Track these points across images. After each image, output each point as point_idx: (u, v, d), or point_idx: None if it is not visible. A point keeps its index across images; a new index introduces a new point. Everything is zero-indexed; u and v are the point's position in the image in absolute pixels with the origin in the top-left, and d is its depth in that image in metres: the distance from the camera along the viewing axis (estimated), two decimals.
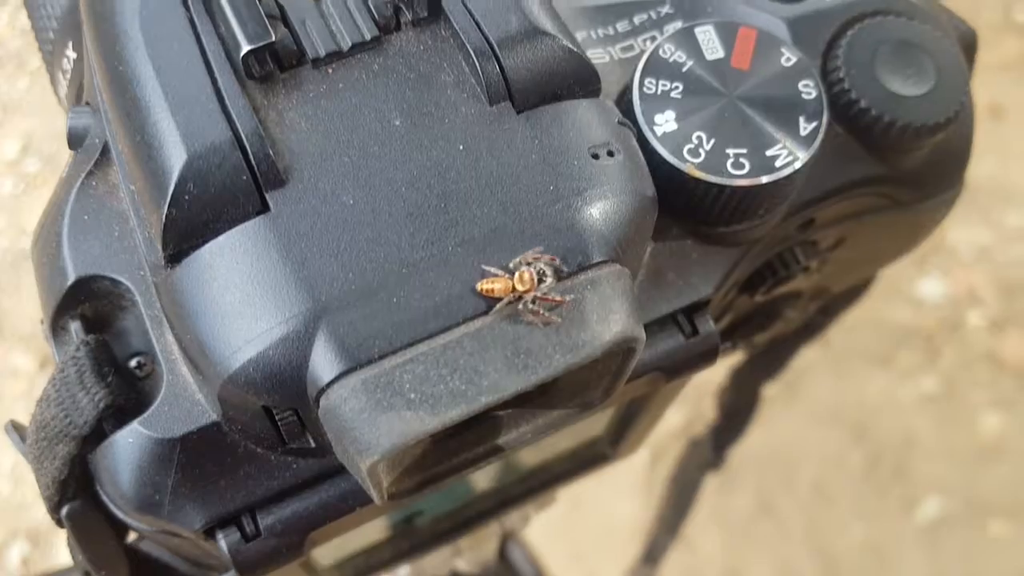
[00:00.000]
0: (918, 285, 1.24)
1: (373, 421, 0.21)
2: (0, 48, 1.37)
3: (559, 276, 0.22)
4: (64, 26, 0.33)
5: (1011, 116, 1.29)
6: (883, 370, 1.19)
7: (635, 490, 1.11)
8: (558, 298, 0.22)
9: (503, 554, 0.58)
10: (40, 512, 1.12)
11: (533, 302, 0.22)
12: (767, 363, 0.51)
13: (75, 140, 0.27)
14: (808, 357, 1.21)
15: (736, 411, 0.55)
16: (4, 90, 1.35)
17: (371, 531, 0.35)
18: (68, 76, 0.33)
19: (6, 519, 1.12)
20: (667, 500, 0.63)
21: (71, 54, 0.33)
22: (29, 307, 1.21)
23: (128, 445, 0.25)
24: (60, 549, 1.11)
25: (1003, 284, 1.24)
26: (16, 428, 0.31)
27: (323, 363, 0.21)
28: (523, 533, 0.62)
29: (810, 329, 0.46)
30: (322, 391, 0.21)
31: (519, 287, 0.22)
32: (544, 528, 0.70)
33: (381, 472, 0.22)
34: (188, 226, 0.22)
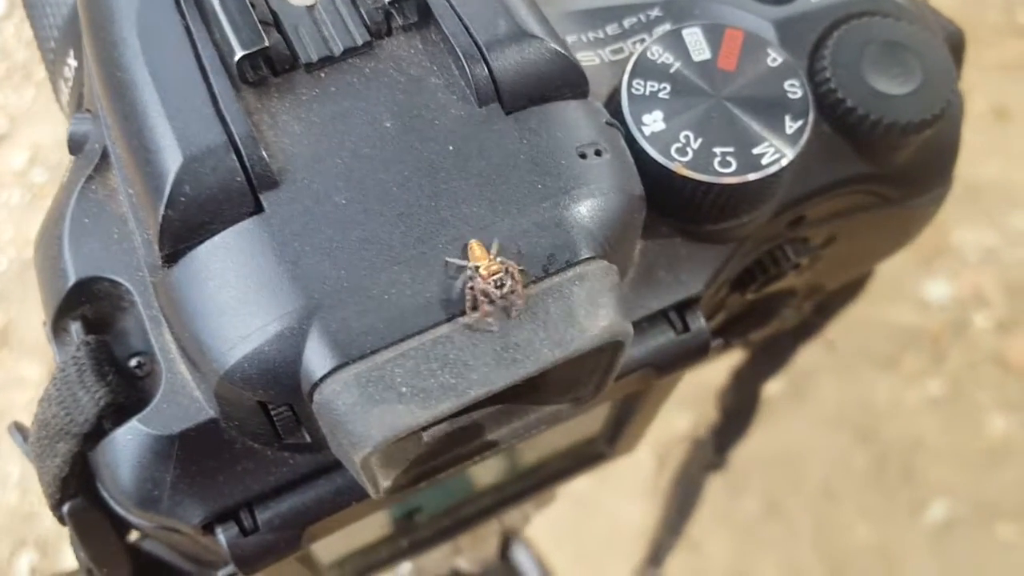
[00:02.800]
0: (924, 287, 1.24)
1: (365, 414, 0.21)
2: (7, 59, 1.38)
3: (525, 281, 0.23)
4: (65, 35, 0.34)
5: (1016, 118, 1.29)
6: (889, 372, 1.19)
7: (641, 493, 1.11)
8: (516, 300, 0.22)
9: (507, 555, 0.59)
10: (48, 521, 1.12)
11: (485, 294, 0.22)
12: (767, 363, 0.51)
13: (75, 146, 0.28)
14: (814, 360, 1.21)
15: (737, 411, 0.55)
16: (11, 101, 1.36)
17: (371, 528, 0.36)
18: (70, 84, 0.34)
19: (14, 528, 1.13)
20: (670, 501, 0.63)
21: (72, 62, 0.33)
22: (36, 317, 1.21)
23: (128, 442, 0.25)
24: (68, 557, 1.11)
25: (1009, 285, 1.24)
26: (20, 429, 0.32)
27: (316, 358, 0.22)
28: (528, 535, 0.62)
29: (808, 328, 0.47)
30: (316, 386, 0.22)
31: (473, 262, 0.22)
32: (549, 531, 0.70)
33: (374, 465, 0.23)
34: (184, 227, 0.23)
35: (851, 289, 0.43)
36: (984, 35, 1.30)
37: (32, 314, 1.22)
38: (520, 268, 0.23)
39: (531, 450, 0.38)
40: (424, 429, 0.25)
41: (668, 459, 1.12)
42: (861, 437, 1.16)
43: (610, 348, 0.24)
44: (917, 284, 1.24)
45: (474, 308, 0.22)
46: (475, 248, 0.23)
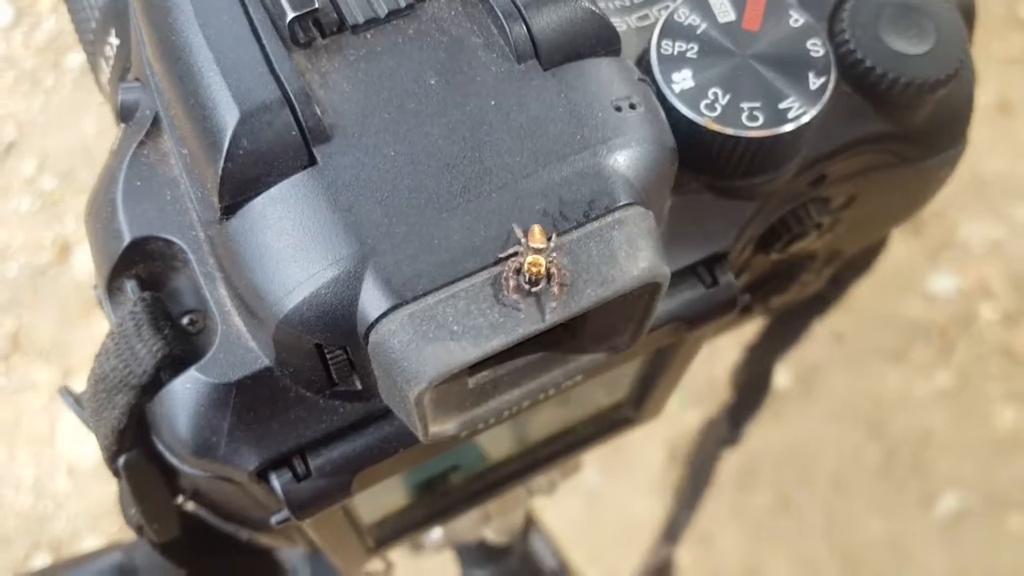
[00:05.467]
0: (931, 280, 1.24)
1: (420, 351, 0.22)
2: (15, 68, 1.39)
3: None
4: (106, 15, 0.35)
5: (1020, 111, 1.30)
6: (898, 366, 1.20)
7: (653, 488, 1.12)
8: (549, 301, 0.23)
9: (526, 540, 0.60)
10: (62, 523, 1.13)
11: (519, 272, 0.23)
12: (780, 337, 0.52)
13: (126, 113, 0.29)
14: (823, 354, 1.22)
15: (750, 387, 0.56)
16: (20, 109, 1.37)
17: (409, 487, 0.37)
18: (111, 62, 0.35)
19: (29, 531, 1.13)
20: (684, 477, 0.64)
21: (114, 40, 0.34)
22: (48, 322, 1.23)
23: (186, 391, 0.26)
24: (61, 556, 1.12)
25: (1015, 277, 1.24)
26: (70, 392, 0.33)
27: (372, 300, 0.23)
28: (550, 531, 0.63)
29: (822, 300, 0.48)
30: (371, 327, 0.23)
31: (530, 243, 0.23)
32: (562, 527, 0.71)
33: (427, 403, 0.24)
34: (242, 179, 0.24)
35: (864, 260, 0.44)
36: (988, 28, 1.31)
37: (43, 319, 1.23)
38: (565, 272, 0.23)
39: (560, 414, 0.39)
40: (471, 374, 0.26)
41: (679, 454, 1.12)
42: (870, 430, 1.17)
43: (648, 291, 0.25)
44: (924, 277, 1.24)
45: (508, 281, 0.23)
46: (536, 233, 0.23)
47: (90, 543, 1.13)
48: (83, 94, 1.37)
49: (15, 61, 1.39)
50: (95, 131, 1.34)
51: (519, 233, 0.23)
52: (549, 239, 0.24)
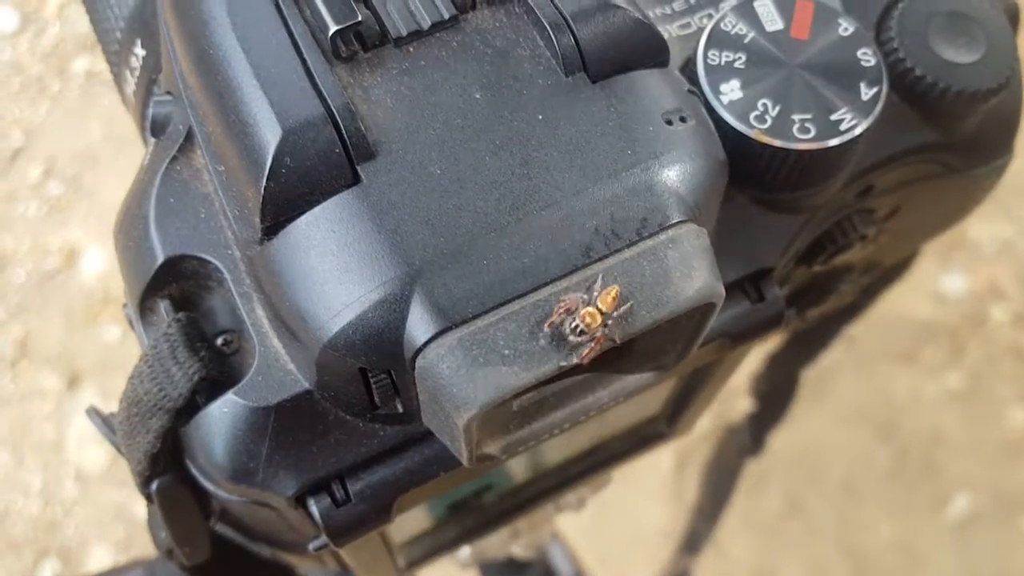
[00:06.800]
0: (941, 281, 1.24)
1: (470, 377, 0.22)
2: (21, 73, 1.39)
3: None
4: (131, 25, 0.34)
5: None
6: (908, 367, 1.19)
7: (662, 495, 1.12)
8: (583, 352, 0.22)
9: (546, 553, 0.59)
10: (71, 530, 1.13)
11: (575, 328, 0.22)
12: (805, 346, 0.52)
13: (158, 128, 0.28)
14: (833, 356, 1.21)
15: (774, 396, 0.56)
16: (26, 115, 1.36)
17: (442, 507, 0.36)
18: (136, 73, 0.34)
19: (38, 537, 1.13)
20: (705, 489, 0.63)
21: (140, 51, 0.34)
22: (55, 328, 1.22)
23: (223, 415, 0.25)
24: (91, 566, 1.12)
25: None
26: (97, 413, 0.32)
27: (419, 324, 0.22)
28: (562, 534, 0.62)
29: (851, 310, 0.47)
30: (419, 351, 0.22)
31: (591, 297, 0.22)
32: (573, 533, 0.70)
33: (475, 429, 0.23)
34: (285, 199, 0.23)
35: (897, 268, 0.44)
36: None
37: (51, 326, 1.23)
38: (613, 339, 0.22)
39: (593, 431, 0.38)
40: (517, 396, 0.25)
41: (689, 460, 1.12)
42: (881, 433, 1.16)
43: (701, 311, 0.24)
44: (934, 278, 1.24)
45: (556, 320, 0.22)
46: (611, 296, 0.22)
47: (99, 550, 1.12)
48: (89, 100, 1.36)
49: (21, 67, 1.39)
50: (101, 137, 1.33)
51: (598, 283, 0.22)
52: (617, 307, 0.22)
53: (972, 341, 1.21)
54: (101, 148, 1.33)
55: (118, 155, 1.32)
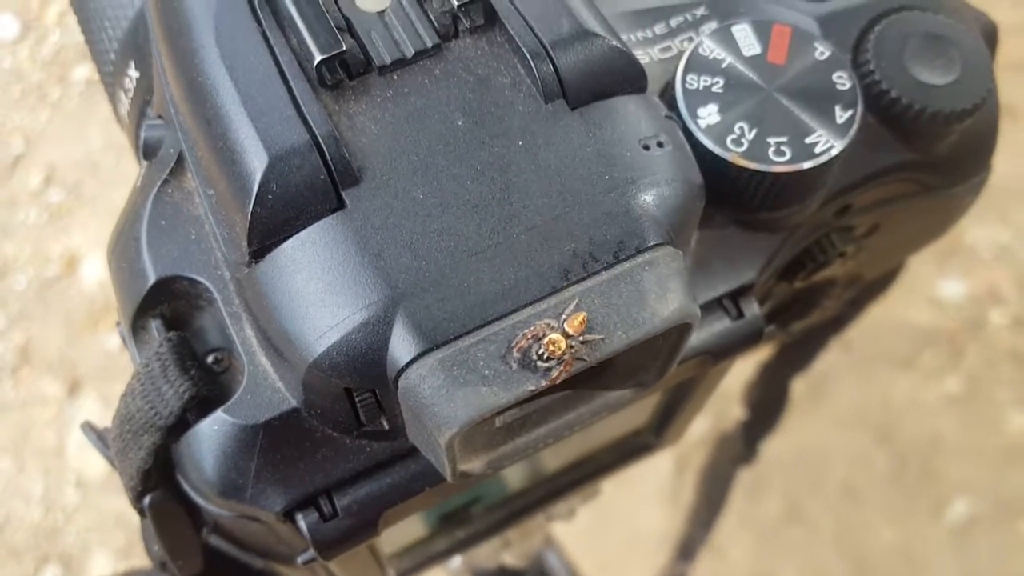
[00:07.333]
0: (939, 286, 1.24)
1: (451, 396, 0.22)
2: (22, 81, 1.40)
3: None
4: (125, 47, 0.35)
5: None
6: (907, 372, 1.20)
7: (661, 499, 1.12)
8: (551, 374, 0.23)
9: (541, 559, 0.60)
10: (72, 537, 1.13)
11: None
12: (796, 356, 0.52)
13: (149, 151, 0.29)
14: (832, 361, 1.22)
15: (765, 405, 0.56)
16: (27, 122, 1.37)
17: (431, 520, 0.37)
18: (130, 94, 0.35)
19: (39, 543, 1.14)
20: (699, 496, 0.64)
21: (133, 73, 0.34)
22: (56, 335, 1.23)
23: (213, 432, 0.26)
24: (92, 573, 1.12)
25: None
26: (92, 428, 0.33)
27: (402, 345, 0.23)
28: (558, 542, 0.63)
29: (839, 321, 0.47)
30: (401, 371, 0.23)
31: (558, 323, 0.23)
32: (571, 537, 0.71)
33: (456, 447, 0.24)
34: (271, 224, 0.24)
35: (884, 281, 0.44)
36: None
37: (52, 333, 1.23)
38: (580, 359, 0.23)
39: (580, 443, 0.38)
40: (499, 414, 0.26)
41: (687, 464, 1.12)
42: (880, 437, 1.16)
43: (678, 331, 0.25)
44: (932, 283, 1.24)
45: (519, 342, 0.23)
46: (577, 321, 0.23)
47: (100, 556, 1.13)
48: (89, 107, 1.37)
49: (22, 74, 1.40)
50: (102, 144, 1.34)
51: (563, 312, 0.23)
52: (583, 332, 0.23)
53: (971, 345, 1.22)
54: (101, 155, 1.33)
55: (118, 162, 1.32)
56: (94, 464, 1.16)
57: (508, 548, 0.47)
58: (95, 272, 1.27)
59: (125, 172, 1.31)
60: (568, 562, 0.65)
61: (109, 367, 1.20)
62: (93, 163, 1.33)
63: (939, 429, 1.17)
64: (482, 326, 0.23)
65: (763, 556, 1.11)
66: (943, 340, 1.22)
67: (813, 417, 1.16)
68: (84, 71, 1.39)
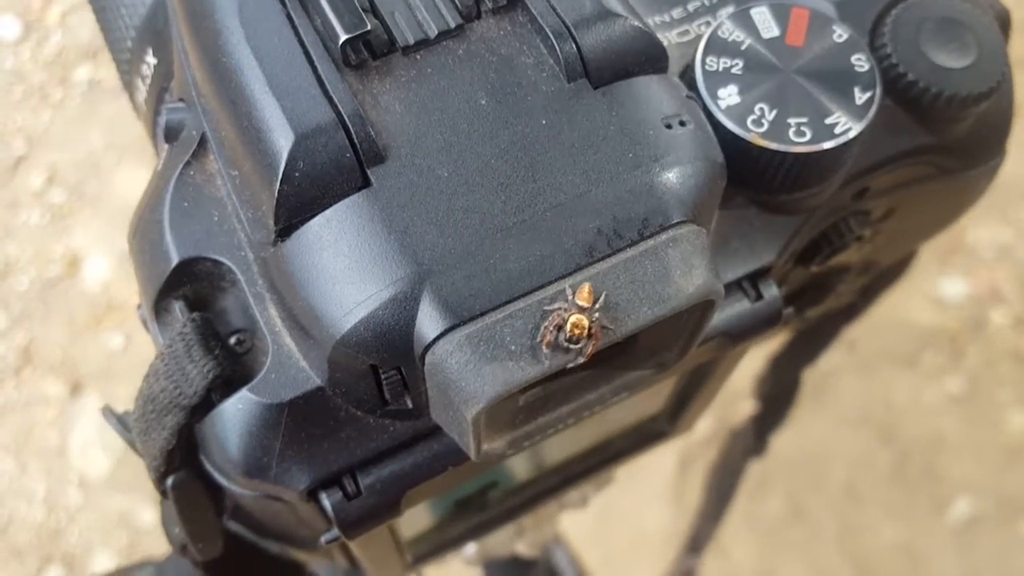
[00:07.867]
0: (940, 285, 1.25)
1: (478, 372, 0.22)
2: (23, 82, 1.40)
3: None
4: (143, 34, 0.35)
5: None
6: (908, 371, 1.20)
7: (665, 496, 1.12)
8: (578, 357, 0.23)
9: (548, 554, 0.60)
10: (74, 537, 1.13)
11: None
12: (806, 347, 0.52)
13: (172, 133, 0.29)
14: (834, 361, 1.22)
15: (776, 397, 0.56)
16: (29, 123, 1.37)
17: (449, 504, 0.37)
18: (148, 81, 0.35)
19: (41, 544, 1.13)
20: (709, 489, 0.64)
21: (151, 59, 0.34)
22: (58, 335, 1.23)
23: (238, 412, 0.26)
24: (95, 572, 1.12)
25: None
26: (112, 412, 0.33)
27: (429, 321, 0.23)
28: (564, 537, 0.63)
29: (851, 310, 0.48)
30: (428, 347, 0.23)
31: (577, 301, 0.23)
32: (575, 534, 0.71)
33: (483, 423, 0.24)
34: (298, 202, 0.24)
35: (896, 269, 0.45)
36: None
37: (54, 333, 1.23)
38: (606, 327, 0.23)
39: (597, 428, 0.39)
40: (522, 392, 0.26)
41: (691, 462, 1.12)
42: (882, 437, 1.17)
43: (701, 308, 0.25)
44: (933, 283, 1.24)
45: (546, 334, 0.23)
46: (585, 292, 0.23)
47: (102, 556, 1.13)
48: (91, 108, 1.37)
49: (23, 75, 1.40)
50: (103, 144, 1.34)
51: (568, 292, 0.23)
52: (596, 300, 0.23)
53: (972, 345, 1.22)
54: (103, 156, 1.33)
55: (120, 163, 1.32)
56: (97, 464, 1.16)
57: (521, 536, 0.47)
58: (97, 272, 1.27)
59: (127, 173, 1.31)
60: (574, 556, 0.65)
61: (111, 367, 1.20)
62: (95, 164, 1.33)
63: (941, 428, 1.17)
64: (508, 302, 0.23)
65: (766, 555, 1.11)
66: (944, 340, 1.22)
67: (815, 416, 1.16)
68: (86, 72, 1.39)
